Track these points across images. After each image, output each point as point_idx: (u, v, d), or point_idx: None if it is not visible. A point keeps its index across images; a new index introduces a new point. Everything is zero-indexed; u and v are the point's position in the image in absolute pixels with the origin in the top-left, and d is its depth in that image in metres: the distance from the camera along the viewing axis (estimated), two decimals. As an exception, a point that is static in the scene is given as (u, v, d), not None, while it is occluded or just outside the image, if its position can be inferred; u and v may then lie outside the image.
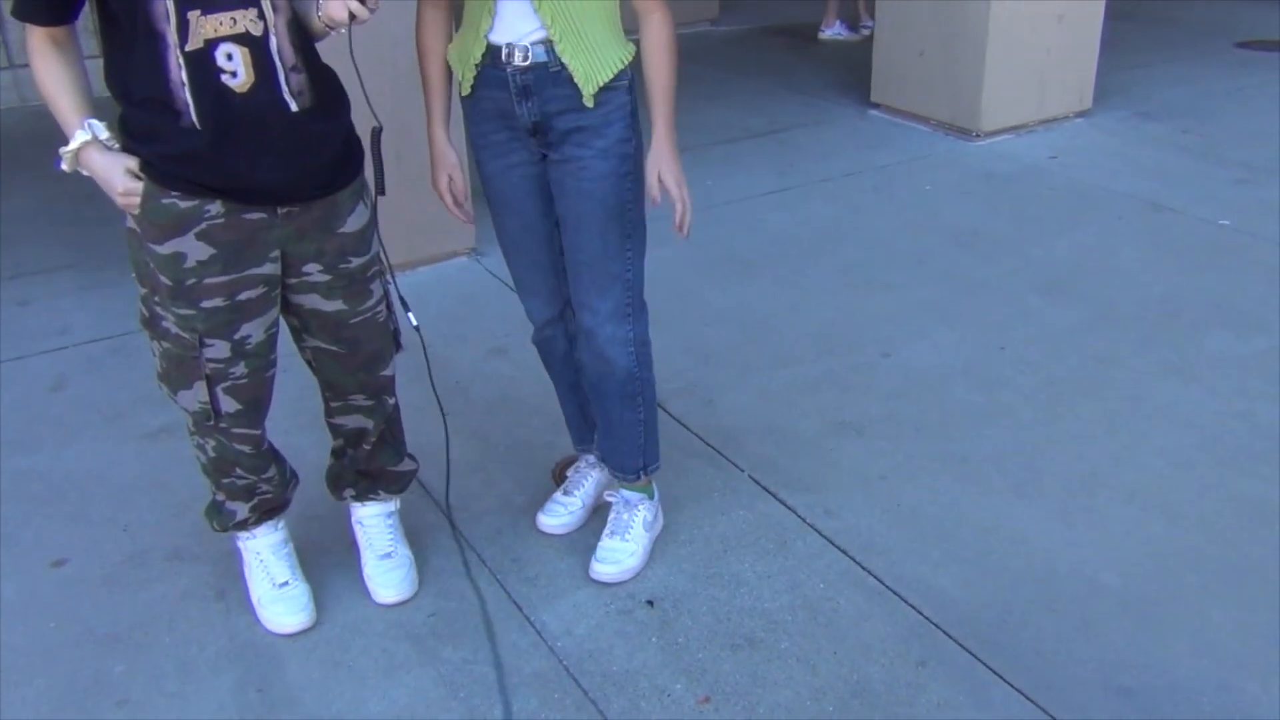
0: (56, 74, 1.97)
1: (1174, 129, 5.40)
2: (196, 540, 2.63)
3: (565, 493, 2.70)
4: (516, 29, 2.13)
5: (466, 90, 2.23)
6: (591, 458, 2.71)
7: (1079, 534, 2.63)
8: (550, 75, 2.15)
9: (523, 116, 2.21)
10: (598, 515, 2.67)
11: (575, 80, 2.15)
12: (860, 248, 4.21)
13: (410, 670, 2.27)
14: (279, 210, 2.04)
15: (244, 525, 2.39)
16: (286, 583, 2.41)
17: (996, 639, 2.31)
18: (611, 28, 2.17)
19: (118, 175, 1.97)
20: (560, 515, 2.66)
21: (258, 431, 2.26)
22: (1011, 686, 2.19)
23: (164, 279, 2.04)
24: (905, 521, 2.68)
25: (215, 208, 1.99)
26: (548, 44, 2.13)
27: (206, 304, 2.05)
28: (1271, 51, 6.66)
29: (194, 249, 2.00)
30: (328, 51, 2.07)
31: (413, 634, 2.37)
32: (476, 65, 2.19)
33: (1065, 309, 3.69)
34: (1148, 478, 2.83)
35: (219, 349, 2.10)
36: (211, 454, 2.26)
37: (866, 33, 6.93)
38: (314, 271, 2.14)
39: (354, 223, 2.15)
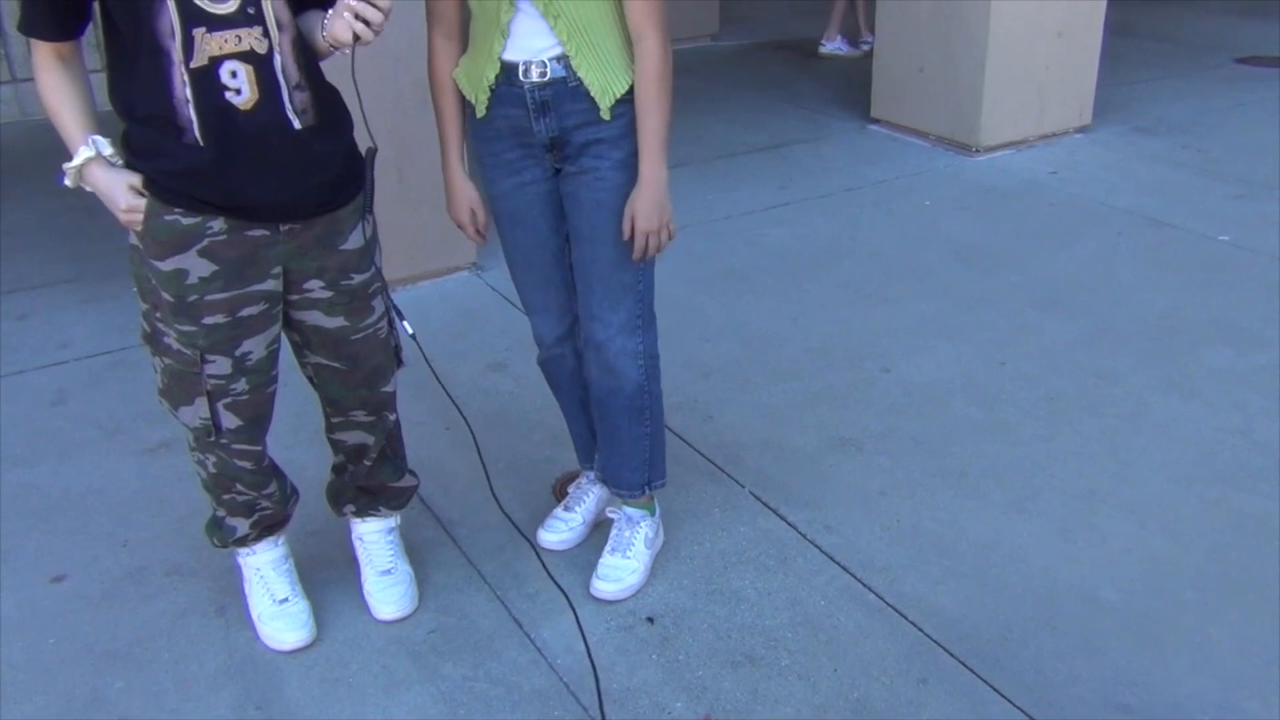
0: (62, 89, 1.97)
1: (1173, 144, 5.42)
2: (196, 556, 2.63)
3: (566, 508, 2.70)
4: (531, 46, 2.14)
5: (482, 112, 2.23)
6: (593, 474, 2.71)
7: (1079, 550, 2.63)
8: (569, 90, 2.16)
9: (540, 132, 2.21)
10: (598, 531, 2.67)
11: (592, 94, 2.15)
12: (860, 263, 4.22)
13: (410, 687, 2.27)
14: (281, 227, 2.05)
15: (244, 541, 2.39)
16: (286, 599, 2.41)
17: (997, 656, 2.31)
18: (621, 39, 2.16)
19: (121, 192, 1.97)
20: (560, 531, 2.66)
21: (258, 448, 2.26)
22: (1012, 704, 2.19)
23: (166, 295, 2.04)
24: (905, 537, 2.68)
25: (217, 224, 2.00)
26: (564, 59, 2.13)
27: (208, 320, 2.05)
28: (1271, 67, 6.68)
29: (196, 265, 2.01)
30: (331, 70, 2.08)
31: (413, 650, 2.37)
32: (490, 86, 2.19)
33: (1065, 324, 3.69)
34: (1147, 494, 2.83)
35: (220, 365, 2.10)
36: (212, 470, 2.26)
37: (866, 48, 6.95)
38: (316, 288, 2.14)
39: (356, 240, 2.15)
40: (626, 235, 2.23)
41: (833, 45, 7.23)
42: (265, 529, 2.40)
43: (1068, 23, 5.31)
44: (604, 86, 2.15)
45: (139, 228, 2.00)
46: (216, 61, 1.89)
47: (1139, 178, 5.01)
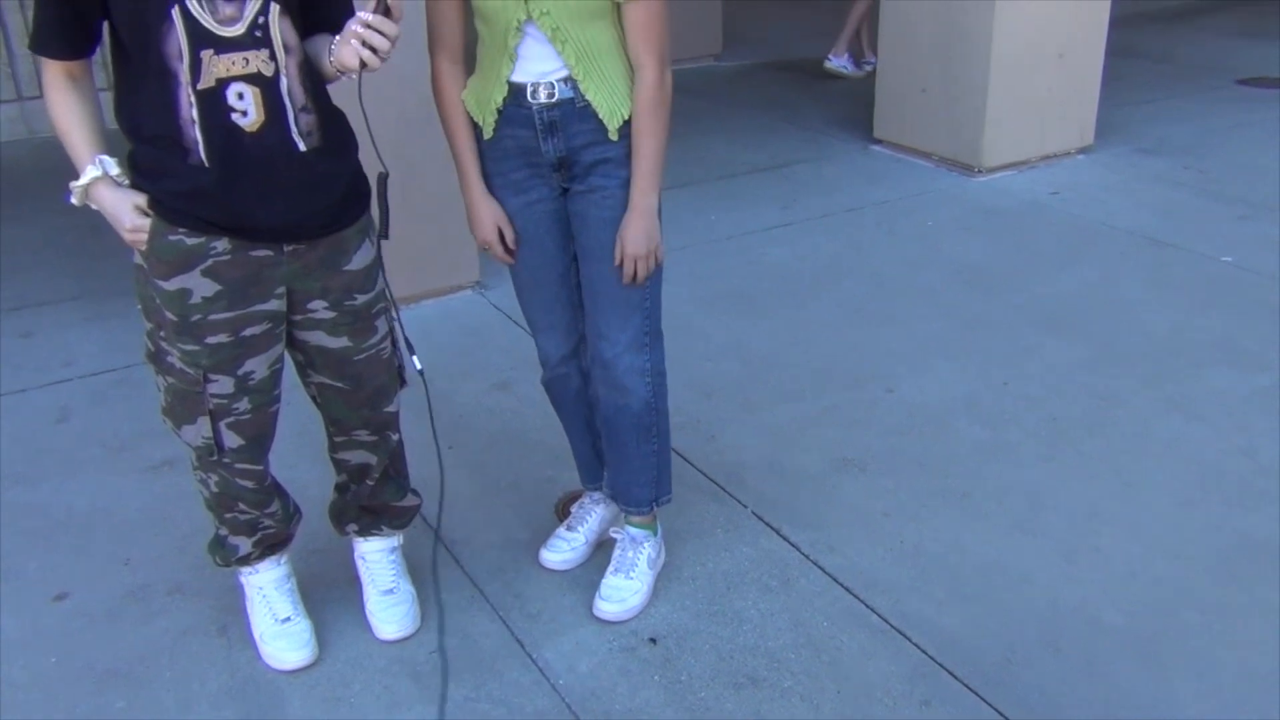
0: (71, 108, 1.99)
1: (1175, 165, 5.43)
2: (198, 575, 2.62)
3: (569, 528, 2.70)
4: (539, 69, 2.15)
5: (489, 133, 2.24)
6: (596, 494, 2.71)
7: (1082, 572, 2.62)
8: (576, 111, 2.17)
9: (548, 153, 2.23)
10: (601, 551, 2.67)
11: (600, 115, 2.17)
12: (862, 283, 4.23)
13: (411, 707, 2.26)
14: (285, 247, 2.06)
15: (246, 560, 2.39)
16: (289, 618, 2.40)
17: (1000, 678, 2.30)
18: (629, 65, 2.18)
19: (126, 211, 1.98)
20: (563, 551, 2.66)
21: (260, 467, 2.27)
22: (1015, 727, 2.18)
23: (169, 314, 2.05)
24: (908, 559, 2.68)
25: (222, 245, 2.00)
26: (572, 81, 2.15)
27: (211, 340, 2.06)
28: (1272, 88, 6.70)
29: (200, 285, 2.02)
30: (338, 93, 2.09)
31: (414, 671, 2.36)
32: (498, 108, 2.21)
33: (1068, 345, 3.70)
34: (1151, 515, 2.82)
35: (223, 385, 2.11)
36: (214, 489, 2.26)
37: (869, 69, 6.97)
38: (319, 308, 2.15)
39: (360, 260, 2.16)
40: (617, 261, 2.25)
41: (839, 61, 7.23)
42: (268, 548, 2.40)
43: (1069, 44, 5.33)
44: (612, 109, 2.17)
45: (144, 247, 2.01)
46: (223, 83, 1.90)
47: (1141, 199, 5.01)
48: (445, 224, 4.01)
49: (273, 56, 1.93)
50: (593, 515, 2.70)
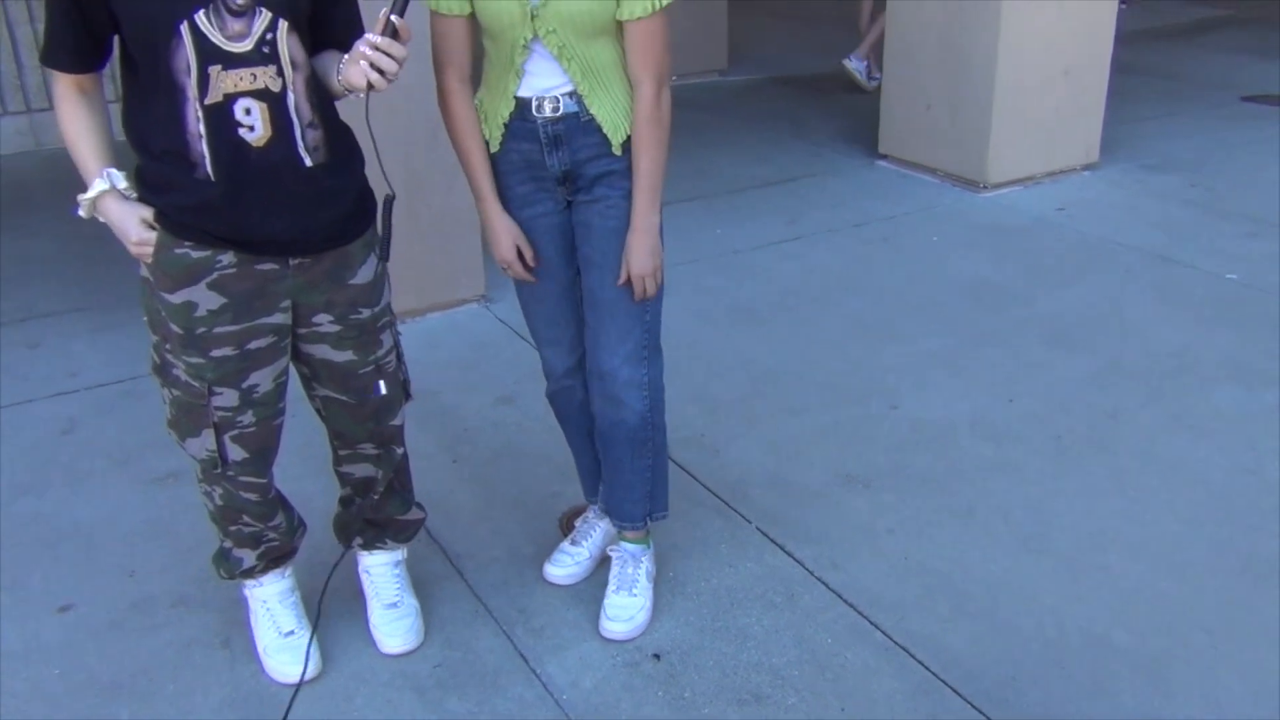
0: (80, 121, 2.00)
1: (1181, 182, 5.43)
2: (202, 587, 2.62)
3: (573, 543, 2.69)
4: (544, 84, 2.17)
5: (496, 147, 2.25)
6: (599, 508, 2.71)
7: (1088, 590, 2.61)
8: (581, 125, 2.18)
9: (553, 166, 2.24)
10: (605, 565, 2.66)
11: (604, 130, 2.18)
12: (868, 298, 4.23)
13: (414, 722, 2.26)
14: (290, 261, 2.06)
15: (251, 573, 2.39)
16: (292, 631, 2.40)
17: (1005, 697, 2.29)
18: (628, 79, 2.19)
19: (133, 225, 1.99)
20: (567, 565, 2.66)
21: (265, 479, 2.27)
22: (1020, 746, 2.18)
23: (175, 327, 2.05)
24: (913, 575, 2.67)
25: (227, 258, 2.01)
26: (576, 96, 2.16)
27: (216, 353, 2.06)
28: (1276, 105, 6.70)
29: (205, 298, 2.02)
30: (344, 106, 2.09)
31: (418, 685, 2.36)
32: (504, 123, 2.22)
33: (1073, 361, 3.69)
34: (1157, 534, 2.81)
35: (228, 397, 2.11)
36: (219, 501, 2.27)
37: (875, 84, 6.99)
38: (324, 322, 2.15)
39: (365, 274, 2.16)
40: (623, 280, 2.26)
41: (857, 64, 7.20)
42: (272, 561, 2.40)
43: (1075, 61, 5.34)
44: (615, 123, 2.18)
45: (150, 260, 2.01)
46: (231, 98, 1.91)
47: (1146, 215, 5.02)
48: (451, 238, 4.03)
49: (280, 72, 1.94)
50: (597, 530, 2.70)
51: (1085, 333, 3.90)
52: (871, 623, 2.51)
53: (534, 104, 2.18)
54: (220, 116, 1.92)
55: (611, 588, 2.53)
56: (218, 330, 2.05)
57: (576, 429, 2.61)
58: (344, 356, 2.20)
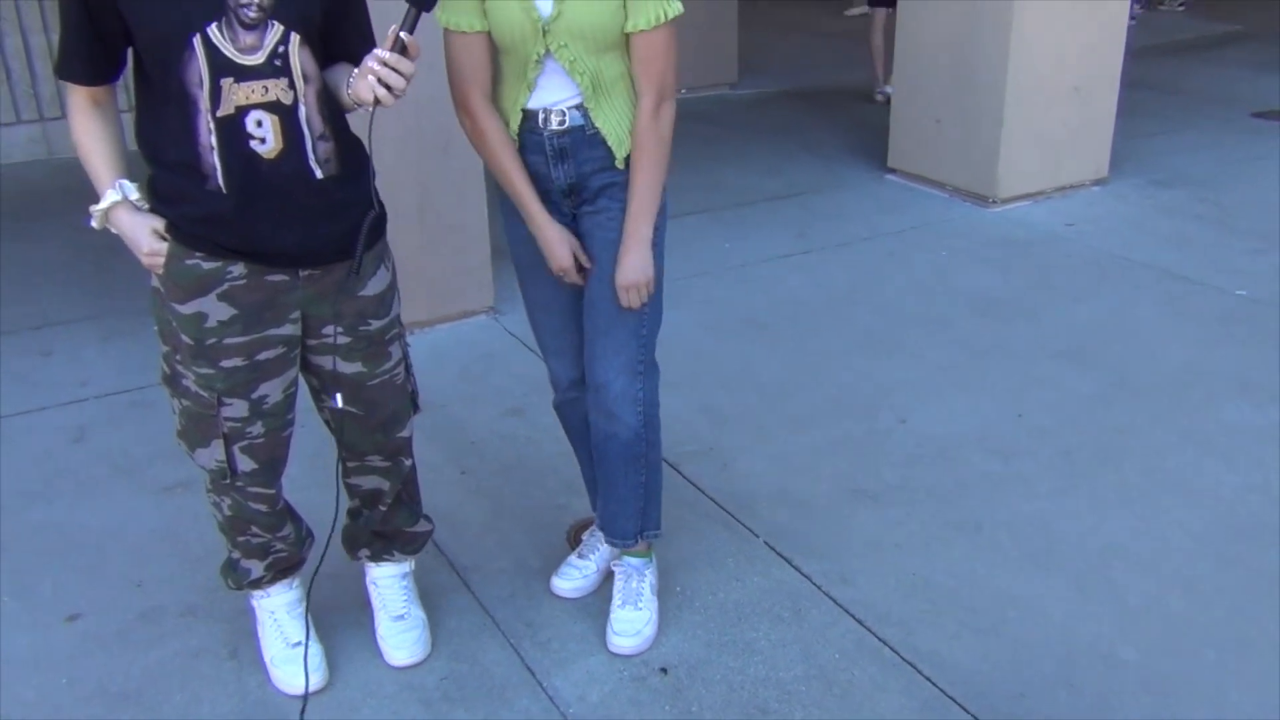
0: (94, 133, 2.01)
1: (1190, 198, 5.42)
2: (210, 597, 2.63)
3: (580, 556, 2.69)
4: (552, 96, 2.18)
5: None
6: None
7: (1096, 607, 2.61)
8: (586, 138, 2.20)
9: (557, 179, 2.25)
10: (611, 579, 2.66)
11: (609, 143, 2.19)
12: (876, 312, 4.23)
13: (421, 734, 2.26)
14: (300, 273, 2.07)
15: (259, 584, 2.39)
16: (300, 642, 2.40)
17: (1013, 713, 2.29)
18: (633, 93, 2.20)
19: (144, 236, 2.00)
20: (574, 578, 2.66)
21: (273, 490, 2.27)
22: (1028, 763, 2.17)
23: (185, 338, 2.06)
24: (920, 591, 2.67)
25: (238, 269, 2.02)
26: (582, 108, 2.17)
27: (226, 364, 2.07)
28: (1287, 122, 6.70)
29: (215, 309, 2.03)
30: (355, 120, 2.10)
31: (424, 697, 2.36)
32: (515, 134, 2.23)
33: (1082, 377, 3.69)
34: (1165, 550, 2.81)
35: (237, 408, 2.12)
36: (228, 512, 2.27)
37: (883, 99, 7.00)
38: (334, 333, 2.16)
39: (374, 286, 2.17)
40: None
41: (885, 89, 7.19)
42: (280, 572, 2.40)
43: (1084, 77, 5.34)
44: (620, 138, 2.20)
45: (161, 271, 2.02)
46: (243, 111, 1.92)
47: (1156, 231, 5.01)
48: (459, 250, 4.04)
49: (292, 85, 1.95)
50: (604, 543, 2.69)
51: (1094, 348, 3.90)
52: (879, 638, 2.51)
53: (541, 116, 2.19)
54: (232, 128, 1.93)
55: (617, 602, 2.53)
56: (228, 341, 2.06)
57: (582, 440, 2.62)
58: (353, 368, 2.21)
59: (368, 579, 2.55)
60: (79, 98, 2.00)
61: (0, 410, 3.55)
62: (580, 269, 2.31)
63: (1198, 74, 8.03)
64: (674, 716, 2.29)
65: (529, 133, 2.22)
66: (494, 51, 2.20)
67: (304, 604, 2.46)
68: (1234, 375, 3.68)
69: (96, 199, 2.01)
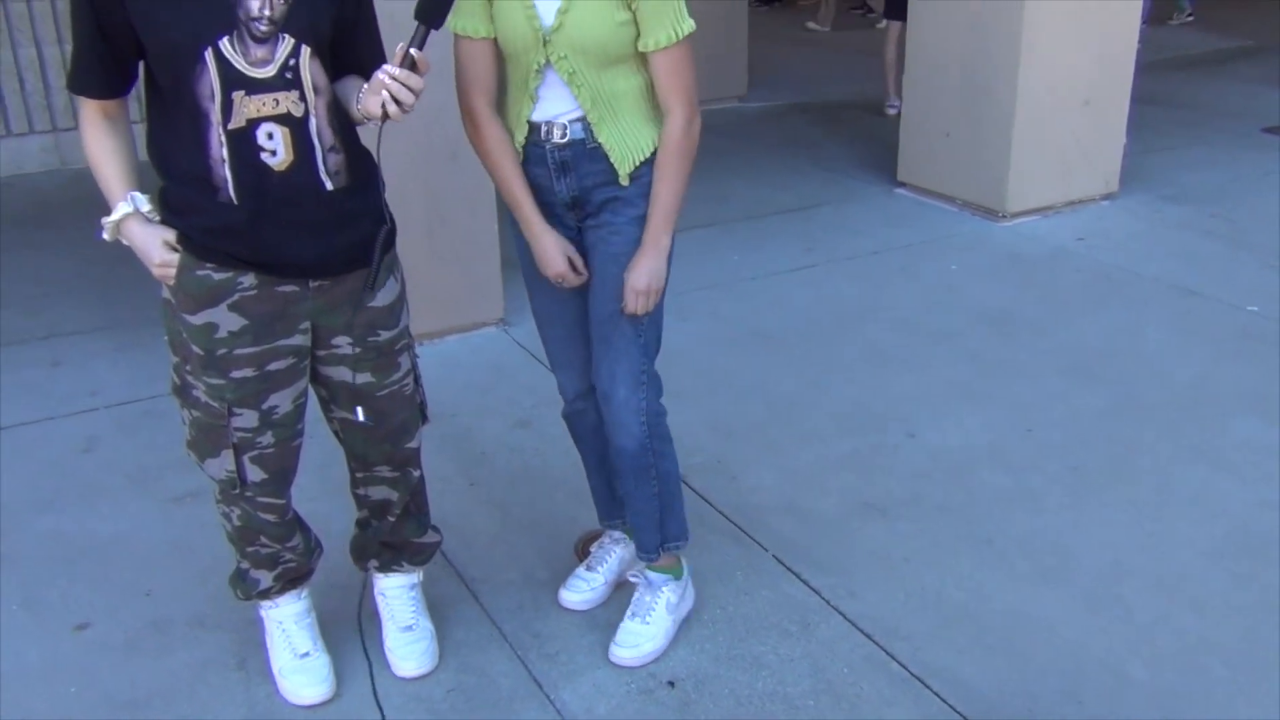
0: (105, 146, 2.02)
1: (1201, 213, 5.41)
2: (219, 607, 2.63)
3: (588, 568, 2.69)
4: (555, 109, 2.19)
5: None
6: (616, 533, 2.71)
7: (1106, 623, 2.59)
8: (587, 152, 2.20)
9: (560, 192, 2.26)
10: (620, 592, 2.66)
11: (610, 158, 2.20)
12: (886, 326, 4.22)
13: (428, 746, 2.26)
14: (310, 283, 2.08)
15: (267, 594, 2.39)
16: (308, 653, 2.40)
17: (1022, 730, 2.28)
18: (645, 109, 2.21)
19: (156, 247, 2.01)
20: (582, 591, 2.65)
21: (283, 500, 2.28)
22: (1037, 780, 2.16)
23: (196, 348, 2.07)
24: (930, 606, 2.66)
25: (248, 280, 2.03)
26: (585, 122, 2.18)
27: (236, 374, 2.08)
28: (1298, 137, 6.69)
29: (226, 320, 2.04)
30: (365, 131, 2.11)
31: (432, 709, 2.35)
32: (520, 147, 2.25)
33: (1092, 392, 3.68)
34: (1176, 567, 2.79)
35: (247, 418, 2.12)
36: (237, 522, 2.28)
37: (893, 112, 7.00)
38: (343, 344, 2.17)
39: (384, 297, 2.18)
40: (625, 302, 2.26)
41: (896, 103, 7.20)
42: (289, 582, 2.40)
43: (1095, 91, 5.34)
44: (623, 154, 2.20)
45: (172, 282, 2.03)
46: (254, 123, 1.93)
47: (1166, 246, 5.00)
48: (469, 261, 4.05)
49: (302, 98, 1.96)
50: (612, 555, 2.69)
51: (1104, 363, 3.89)
52: (888, 653, 2.50)
53: (544, 129, 2.20)
54: (243, 141, 1.94)
55: (628, 613, 2.52)
56: (238, 352, 2.06)
57: (589, 451, 2.62)
58: (362, 378, 2.21)
59: (376, 590, 2.56)
60: (91, 111, 2.01)
61: (10, 420, 3.57)
62: (577, 274, 2.32)
63: (1208, 89, 8.02)
64: (681, 730, 2.29)
65: (533, 145, 2.23)
66: (500, 59, 2.22)
67: (312, 614, 2.47)
68: (1245, 391, 3.67)
69: (108, 210, 2.02)
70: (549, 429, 3.37)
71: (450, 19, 2.13)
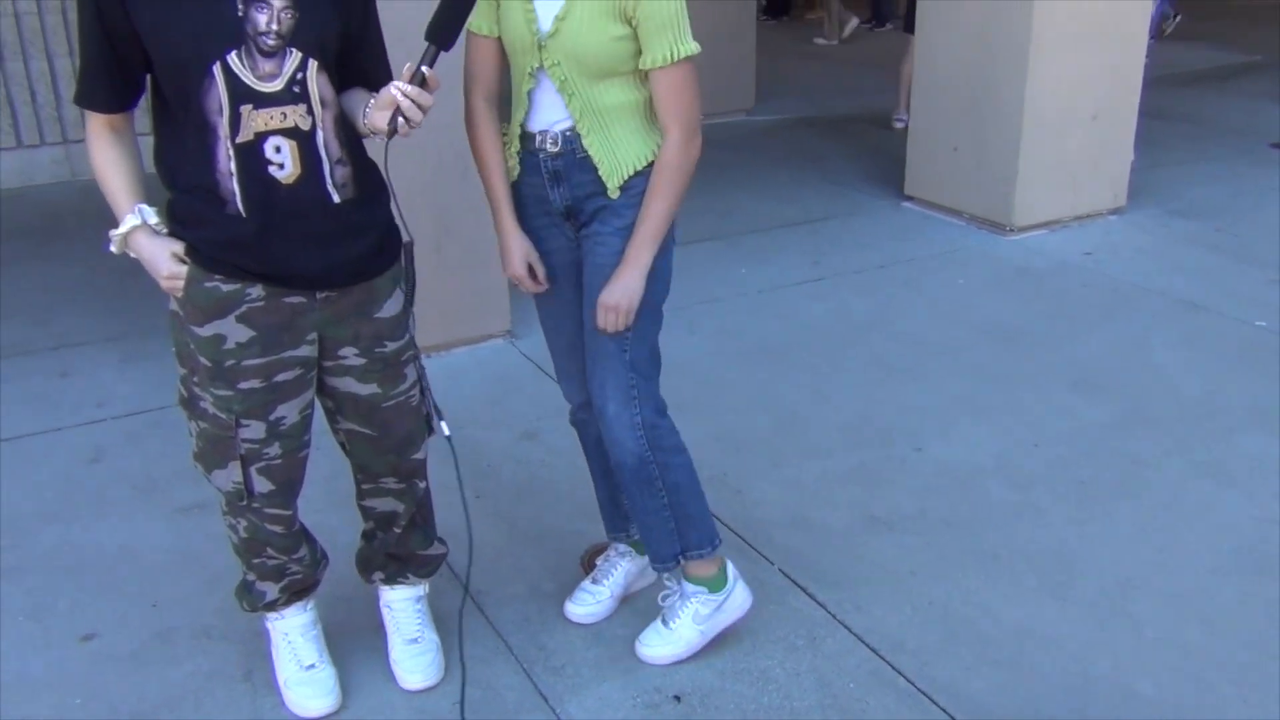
0: (111, 159, 2.03)
1: (1208, 228, 5.41)
2: (225, 618, 2.63)
3: (594, 581, 2.69)
4: (549, 117, 2.22)
5: (514, 176, 2.31)
6: (622, 546, 2.71)
7: (1114, 639, 2.58)
8: (577, 161, 2.23)
9: (555, 201, 2.28)
10: (626, 605, 2.66)
11: (599, 170, 2.21)
12: (892, 340, 4.22)
13: (433, 759, 2.25)
14: (318, 294, 2.09)
15: (273, 606, 2.40)
16: (313, 665, 2.40)
17: (1029, 746, 2.27)
18: (639, 123, 2.22)
19: (164, 259, 2.02)
20: (588, 604, 2.65)
21: (289, 512, 2.28)
22: (1044, 797, 2.15)
23: (204, 360, 2.07)
24: (936, 620, 2.65)
25: (256, 291, 2.03)
26: (575, 133, 2.20)
27: (244, 385, 2.08)
28: (1306, 152, 6.68)
29: (234, 331, 2.04)
30: (372, 143, 2.12)
31: (437, 721, 2.36)
32: (519, 152, 2.27)
33: (1099, 407, 3.67)
34: (1183, 583, 2.78)
35: (254, 430, 2.13)
36: (243, 534, 2.28)
37: (900, 125, 7.01)
38: (350, 355, 2.17)
39: (390, 308, 2.18)
40: (599, 321, 2.27)
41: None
42: (295, 594, 2.41)
43: (1102, 106, 5.34)
44: (611, 167, 2.21)
45: (180, 294, 2.04)
46: (261, 137, 1.94)
47: (1174, 260, 5.00)
48: (477, 272, 4.05)
49: (310, 111, 1.97)
50: (619, 568, 2.69)
51: (1111, 378, 3.88)
52: (894, 668, 2.49)
53: (538, 139, 2.23)
54: (250, 154, 1.95)
55: (660, 616, 2.53)
56: (246, 363, 2.07)
57: (593, 461, 2.62)
58: (368, 389, 2.22)
59: (381, 602, 2.55)
60: (97, 124, 2.02)
61: (18, 430, 3.58)
62: (535, 282, 2.35)
63: (1215, 104, 8.02)
64: (687, 745, 2.28)
65: (529, 154, 2.26)
66: (504, 61, 2.25)
67: (318, 626, 2.47)
68: (1252, 406, 3.66)
69: (117, 223, 2.03)
70: (555, 441, 3.37)
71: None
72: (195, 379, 2.13)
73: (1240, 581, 2.79)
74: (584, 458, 2.66)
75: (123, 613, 2.70)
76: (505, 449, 3.43)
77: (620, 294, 2.23)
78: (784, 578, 2.81)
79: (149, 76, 1.98)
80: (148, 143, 2.02)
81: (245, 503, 2.20)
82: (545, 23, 2.14)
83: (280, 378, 2.11)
